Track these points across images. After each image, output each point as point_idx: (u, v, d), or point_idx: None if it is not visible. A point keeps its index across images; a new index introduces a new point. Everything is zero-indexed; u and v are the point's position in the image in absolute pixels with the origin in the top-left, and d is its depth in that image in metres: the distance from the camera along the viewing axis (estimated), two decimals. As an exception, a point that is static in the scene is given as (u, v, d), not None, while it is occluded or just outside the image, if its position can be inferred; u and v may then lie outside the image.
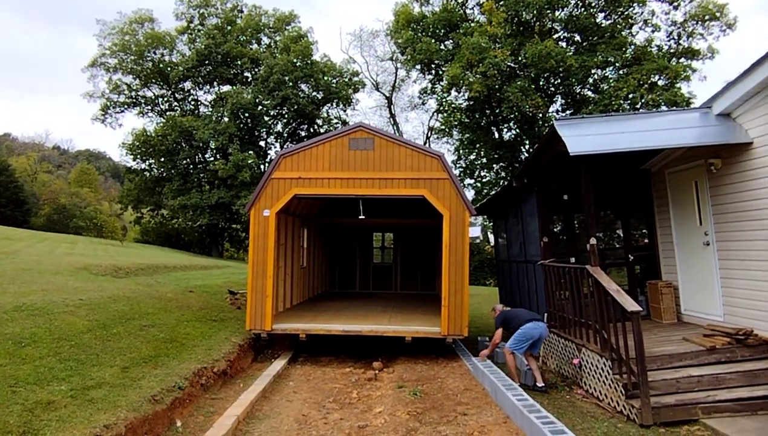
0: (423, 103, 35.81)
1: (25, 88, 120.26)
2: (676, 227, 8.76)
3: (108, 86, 39.48)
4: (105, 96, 39.64)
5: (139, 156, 39.05)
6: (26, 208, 45.56)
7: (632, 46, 26.71)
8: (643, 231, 10.42)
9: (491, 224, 24.16)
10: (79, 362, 6.35)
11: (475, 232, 46.39)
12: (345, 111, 39.97)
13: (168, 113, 40.24)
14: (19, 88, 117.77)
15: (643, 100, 24.26)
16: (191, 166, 38.60)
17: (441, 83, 30.35)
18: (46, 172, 61.84)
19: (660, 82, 25.16)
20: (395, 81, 40.42)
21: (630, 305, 6.00)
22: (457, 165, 31.62)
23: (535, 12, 26.05)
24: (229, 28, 38.83)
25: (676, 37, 27.28)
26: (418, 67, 30.54)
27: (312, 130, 38.66)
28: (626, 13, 27.06)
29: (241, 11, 40.33)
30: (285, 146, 39.03)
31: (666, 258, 9.15)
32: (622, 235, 10.33)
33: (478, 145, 30.56)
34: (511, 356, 7.66)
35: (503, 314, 8.19)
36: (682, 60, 26.52)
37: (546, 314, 8.82)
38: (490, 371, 7.72)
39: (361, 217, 11.62)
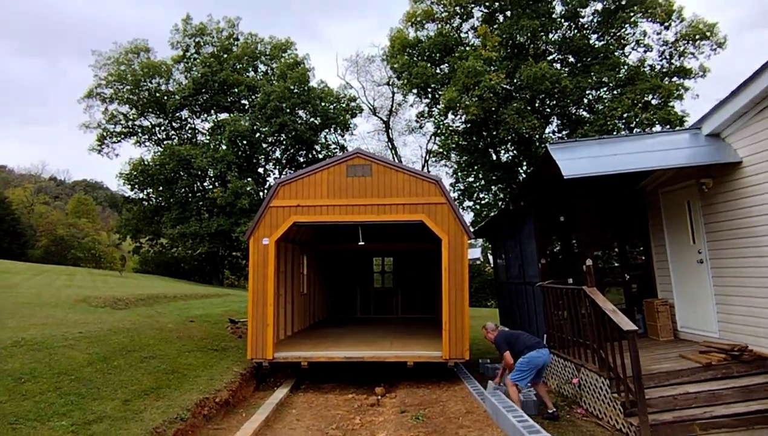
0: (420, 127, 36.27)
1: (20, 119, 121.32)
2: (671, 245, 8.85)
3: (104, 116, 39.79)
4: (101, 126, 39.85)
5: (136, 186, 39.14)
6: (23, 241, 45.49)
7: (625, 67, 27.22)
8: (640, 249, 10.49)
9: (489, 245, 24.21)
10: (80, 397, 6.35)
11: (475, 253, 46.30)
12: (343, 136, 40.35)
13: (165, 142, 40.50)
14: (13, 119, 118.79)
15: (637, 120, 24.61)
16: (190, 194, 38.72)
17: (438, 107, 30.78)
18: (43, 203, 61.88)
19: (653, 102, 25.54)
20: (392, 105, 40.93)
21: (626, 324, 6.06)
22: (456, 187, 31.84)
23: (528, 35, 26.57)
24: (225, 56, 39.37)
25: (668, 57, 27.79)
26: (415, 91, 31.00)
27: (310, 156, 38.95)
28: (618, 34, 27.62)
29: (237, 39, 40.92)
30: (284, 173, 39.27)
31: (661, 276, 9.21)
32: (618, 254, 10.40)
33: (476, 168, 30.84)
34: (514, 388, 7.15)
35: (504, 335, 7.67)
36: (674, 79, 26.96)
37: (545, 335, 8.84)
38: (492, 393, 7.71)
39: (361, 243, 11.65)
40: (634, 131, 24.75)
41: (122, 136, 40.82)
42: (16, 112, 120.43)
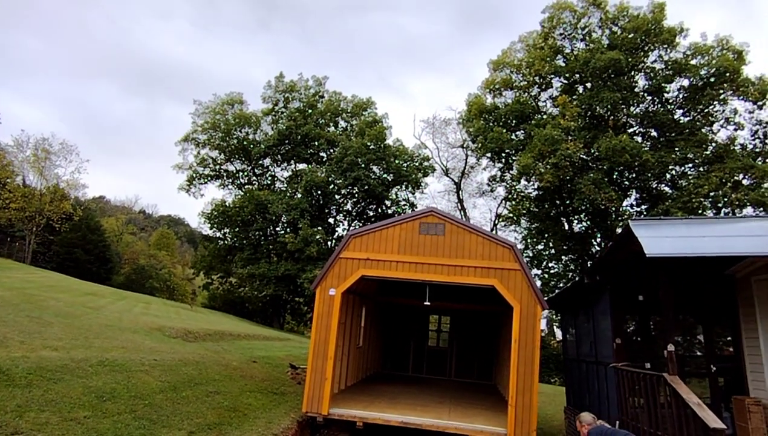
0: (492, 191, 36.18)
1: (120, 154, 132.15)
2: (765, 338, 8.16)
3: (196, 160, 42.76)
4: (192, 168, 42.79)
5: (216, 225, 41.22)
6: (110, 266, 48.58)
7: (713, 144, 26.12)
8: (728, 339, 9.74)
9: (557, 317, 23.27)
10: (151, 422, 6.63)
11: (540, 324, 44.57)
12: (414, 194, 40.89)
13: (246, 187, 42.78)
14: (115, 153, 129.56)
15: (726, 199, 23.34)
16: (262, 237, 40.28)
17: (511, 172, 30.73)
18: (131, 233, 66.30)
19: (745, 182, 24.20)
20: (465, 167, 41.22)
21: (712, 421, 5.61)
22: (525, 254, 31.16)
23: (609, 107, 26.33)
24: (310, 111, 41.62)
25: (761, 137, 26.46)
26: (489, 155, 31.17)
27: (380, 210, 39.69)
28: (706, 110, 26.74)
29: (323, 96, 43.28)
30: (353, 225, 40.15)
31: (754, 372, 8.45)
32: (703, 341, 9.70)
33: (546, 236, 30.16)
34: None
35: (599, 431, 5.76)
36: (768, 160, 25.54)
37: (618, 422, 8.29)
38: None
39: (427, 303, 11.43)
40: (722, 211, 23.49)
41: (209, 178, 43.52)
42: (118, 147, 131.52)
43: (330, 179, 37.23)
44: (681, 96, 27.29)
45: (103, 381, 7.38)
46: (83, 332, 10.37)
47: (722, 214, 23.35)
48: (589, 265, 24.95)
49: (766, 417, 7.91)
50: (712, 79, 25.63)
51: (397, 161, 38.65)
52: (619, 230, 22.13)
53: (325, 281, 10.27)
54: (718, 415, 7.29)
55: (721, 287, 9.12)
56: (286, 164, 43.22)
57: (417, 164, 39.78)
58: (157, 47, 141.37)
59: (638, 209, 27.67)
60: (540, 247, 31.18)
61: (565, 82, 29.50)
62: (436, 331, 18.76)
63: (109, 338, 10.58)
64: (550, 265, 30.62)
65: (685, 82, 26.86)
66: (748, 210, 22.95)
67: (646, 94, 27.68)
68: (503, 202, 38.14)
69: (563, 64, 29.31)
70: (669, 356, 6.80)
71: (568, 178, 25.31)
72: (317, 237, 35.12)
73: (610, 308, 9.06)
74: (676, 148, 25.41)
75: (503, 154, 30.47)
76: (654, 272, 7.28)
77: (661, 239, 7.06)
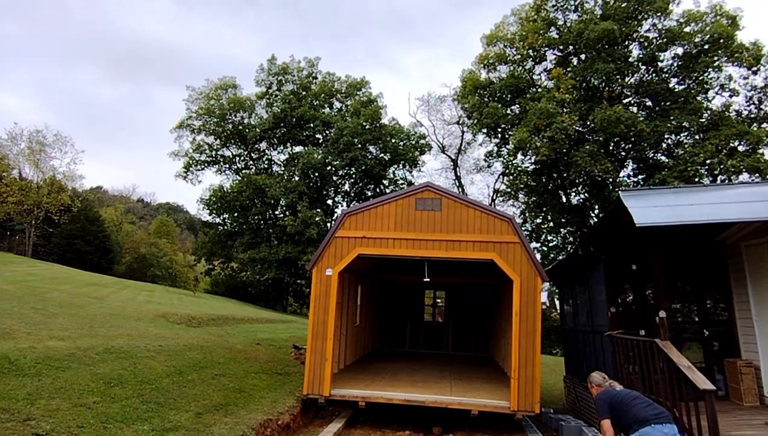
0: (489, 166, 36.19)
1: (113, 142, 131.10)
2: (756, 302, 8.33)
3: (191, 146, 42.72)
4: (188, 155, 42.75)
5: (214, 211, 41.38)
6: (111, 256, 48.82)
7: (708, 111, 26.05)
8: (721, 305, 9.93)
9: (555, 289, 23.53)
10: (158, 405, 6.82)
11: (541, 297, 45.02)
12: (411, 172, 41.01)
13: (244, 171, 42.79)
14: (107, 141, 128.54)
15: (722, 167, 23.39)
16: (262, 221, 40.43)
17: (507, 147, 30.73)
18: (130, 223, 66.40)
19: (740, 148, 24.22)
20: (461, 144, 41.17)
21: (702, 382, 5.78)
22: (523, 228, 31.29)
23: (603, 78, 26.22)
24: (303, 93, 41.46)
25: (756, 102, 26.40)
26: (485, 130, 31.13)
27: (378, 190, 39.79)
28: (701, 78, 26.61)
29: (316, 78, 43.05)
30: (351, 205, 40.25)
31: (745, 335, 8.64)
32: (697, 308, 9.88)
33: (544, 209, 30.30)
34: None
35: (608, 396, 5.46)
36: (764, 125, 25.52)
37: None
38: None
39: (426, 279, 11.47)
40: (719, 179, 23.55)
41: (206, 164, 43.52)
42: (110, 135, 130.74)
43: (327, 161, 37.24)
44: (675, 64, 27.14)
45: (110, 368, 7.56)
46: (88, 322, 10.55)
47: (718, 182, 23.43)
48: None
49: (757, 378, 8.13)
50: (706, 46, 25.45)
51: (393, 140, 38.62)
52: (615, 201, 22.26)
53: (321, 261, 10.13)
54: (711, 378, 7.52)
55: (712, 253, 9.27)
56: (282, 147, 43.21)
57: (413, 143, 39.77)
58: (140, 28, 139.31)
59: (635, 180, 27.75)
60: (538, 220, 31.35)
61: (559, 54, 29.35)
62: (431, 305, 18.84)
63: (114, 326, 10.75)
64: (549, 238, 30.84)
65: (679, 50, 26.69)
66: (744, 176, 23.03)
67: (640, 64, 27.53)
68: (501, 177, 38.20)
69: (557, 37, 29.10)
70: (660, 322, 6.96)
71: (564, 151, 25.34)
72: (316, 219, 35.29)
73: (604, 278, 9.21)
74: (671, 117, 25.38)
75: (499, 130, 30.45)
76: (645, 241, 7.40)
77: (651, 208, 7.16)
